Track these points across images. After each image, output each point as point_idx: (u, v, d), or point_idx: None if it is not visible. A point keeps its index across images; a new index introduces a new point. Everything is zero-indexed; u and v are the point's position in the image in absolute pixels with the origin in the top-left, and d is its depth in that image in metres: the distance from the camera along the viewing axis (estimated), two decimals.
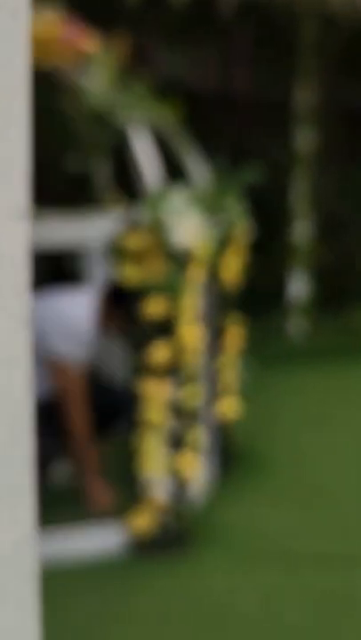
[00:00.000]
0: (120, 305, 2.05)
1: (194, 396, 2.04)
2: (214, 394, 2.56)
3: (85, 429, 2.16)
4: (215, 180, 2.49)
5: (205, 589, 1.86)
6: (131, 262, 1.86)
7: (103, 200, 2.84)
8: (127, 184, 2.19)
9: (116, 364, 2.47)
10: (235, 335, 2.59)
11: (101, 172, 2.87)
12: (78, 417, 2.13)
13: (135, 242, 1.83)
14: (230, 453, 2.70)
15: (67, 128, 2.70)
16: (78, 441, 2.15)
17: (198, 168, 2.47)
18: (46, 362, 2.08)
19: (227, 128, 7.00)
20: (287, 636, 1.67)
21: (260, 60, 5.05)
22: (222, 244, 2.43)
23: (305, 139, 4.90)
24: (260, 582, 1.88)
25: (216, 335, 2.53)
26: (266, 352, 4.48)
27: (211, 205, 2.42)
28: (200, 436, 2.13)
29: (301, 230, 4.96)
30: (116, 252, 1.86)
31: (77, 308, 2.14)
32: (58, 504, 2.29)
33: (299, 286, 4.96)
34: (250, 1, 4.28)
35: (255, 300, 5.43)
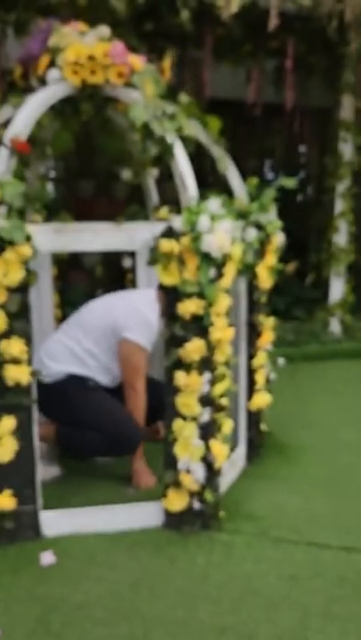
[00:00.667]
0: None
1: (225, 389, 2.16)
2: (249, 388, 2.68)
3: (142, 412, 2.45)
4: (253, 188, 2.60)
5: (234, 570, 1.95)
6: (170, 266, 1.99)
7: (152, 208, 3.00)
8: (172, 193, 2.32)
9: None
10: (269, 333, 2.69)
11: (149, 183, 3.03)
12: (140, 399, 2.43)
13: (173, 247, 1.97)
14: (262, 443, 2.81)
15: (120, 141, 2.86)
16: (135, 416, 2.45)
17: (237, 178, 2.58)
18: (121, 344, 2.42)
19: (275, 139, 7.06)
20: (309, 619, 1.73)
21: (308, 72, 5.10)
22: (258, 248, 2.54)
23: (350, 147, 4.93)
24: (285, 568, 1.96)
25: (252, 333, 2.65)
26: (304, 350, 4.56)
27: (247, 212, 2.54)
28: (230, 426, 2.24)
29: (343, 234, 5.00)
30: (158, 256, 2.00)
31: (146, 302, 2.43)
32: (108, 484, 2.48)
33: (339, 288, 5.00)
34: (297, 12, 4.34)
35: (297, 300, 5.50)
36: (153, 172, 2.97)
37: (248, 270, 2.53)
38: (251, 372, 2.66)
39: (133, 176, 2.93)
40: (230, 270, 2.10)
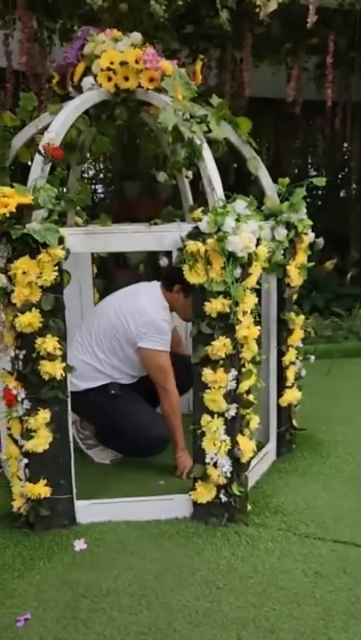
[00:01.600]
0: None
1: (251, 385, 2.14)
2: (280, 384, 2.65)
3: (177, 410, 2.50)
4: (283, 188, 2.56)
5: (259, 564, 1.94)
6: (196, 265, 1.99)
7: (187, 209, 2.99)
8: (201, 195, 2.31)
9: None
10: (299, 330, 2.65)
11: (185, 184, 3.02)
12: (172, 397, 2.48)
13: (199, 248, 1.96)
14: (294, 439, 2.78)
15: (154, 144, 2.87)
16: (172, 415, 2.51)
17: (268, 178, 2.55)
18: (140, 352, 2.49)
19: (317, 136, 6.91)
20: (332, 617, 1.71)
21: (349, 67, 4.97)
22: (289, 246, 2.51)
23: None
24: (311, 564, 1.93)
25: (282, 330, 2.61)
26: (342, 346, 4.47)
27: (278, 211, 2.50)
28: (257, 422, 2.22)
29: None
30: (185, 256, 2.00)
31: (152, 303, 2.51)
32: (140, 475, 2.52)
33: None
34: (337, 7, 4.23)
35: (336, 296, 5.39)
36: (188, 174, 2.96)
37: (278, 269, 2.50)
38: (281, 369, 2.63)
39: (169, 178, 2.93)
40: (256, 270, 2.07)
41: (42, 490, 2.07)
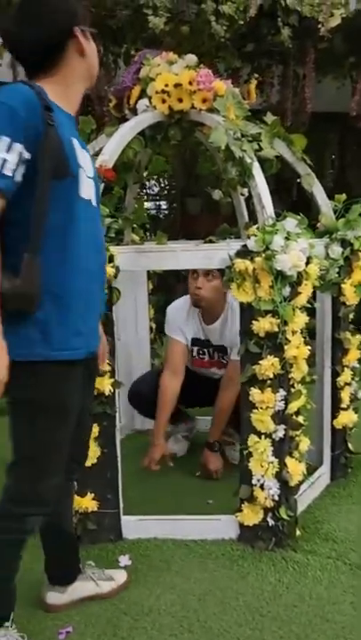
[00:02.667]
0: None
1: (300, 406, 2.09)
2: (334, 405, 2.57)
3: (163, 405, 2.66)
4: (340, 205, 2.50)
5: (305, 593, 1.87)
6: (244, 284, 1.97)
7: (242, 226, 2.98)
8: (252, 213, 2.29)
9: None
10: (355, 350, 2.57)
11: (240, 201, 3.01)
12: (161, 392, 2.66)
13: (247, 266, 1.94)
14: (350, 463, 2.68)
15: (210, 162, 2.89)
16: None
17: (323, 194, 2.50)
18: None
19: None
20: None
21: None
22: (344, 264, 2.44)
23: None
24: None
25: (337, 350, 2.54)
26: None
27: (333, 228, 2.44)
28: (307, 444, 2.16)
29: None
30: (233, 274, 1.99)
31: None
32: (188, 494, 2.50)
33: None
34: None
35: None
36: (243, 191, 2.96)
37: (333, 287, 2.43)
38: (336, 390, 2.54)
39: (224, 195, 2.93)
40: (307, 288, 2.03)
41: (89, 503, 2.09)
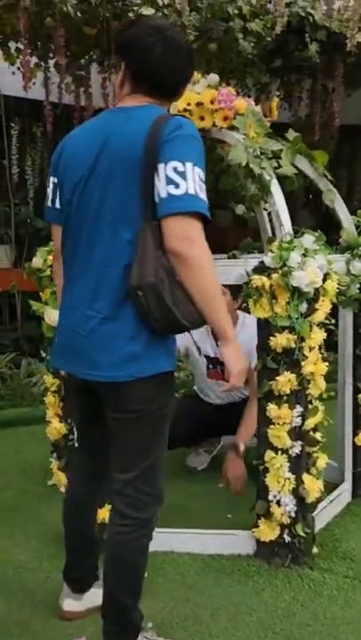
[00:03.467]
0: None
1: (318, 422, 2.08)
2: (355, 422, 2.55)
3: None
4: (359, 220, 2.49)
5: (320, 612, 1.85)
6: (261, 300, 1.99)
7: (265, 241, 3.00)
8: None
9: None
10: None
11: (263, 216, 3.03)
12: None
13: (264, 282, 1.96)
14: None
15: (233, 178, 2.92)
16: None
17: (345, 210, 2.50)
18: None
19: None
20: None
21: None
22: None
23: None
24: None
25: (358, 366, 2.52)
26: None
27: (353, 245, 2.44)
28: (325, 461, 2.14)
29: None
30: (250, 290, 2.00)
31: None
32: (206, 508, 2.51)
33: None
34: None
35: None
36: (267, 207, 2.97)
37: (354, 303, 2.42)
38: (357, 406, 2.52)
39: (247, 210, 2.96)
40: (324, 305, 2.03)
41: (107, 514, 2.12)
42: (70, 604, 1.85)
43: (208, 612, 1.87)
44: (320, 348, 2.06)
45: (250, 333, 2.46)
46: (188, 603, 1.92)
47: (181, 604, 1.91)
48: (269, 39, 3.88)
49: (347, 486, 2.55)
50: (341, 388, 2.55)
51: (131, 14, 3.75)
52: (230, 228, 6.00)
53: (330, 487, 2.55)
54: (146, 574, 1.81)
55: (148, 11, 3.65)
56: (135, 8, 3.71)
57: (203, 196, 1.39)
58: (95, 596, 1.80)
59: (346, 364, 2.51)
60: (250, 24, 3.86)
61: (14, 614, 1.87)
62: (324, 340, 2.07)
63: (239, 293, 2.44)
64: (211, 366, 2.80)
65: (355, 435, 2.53)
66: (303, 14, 3.87)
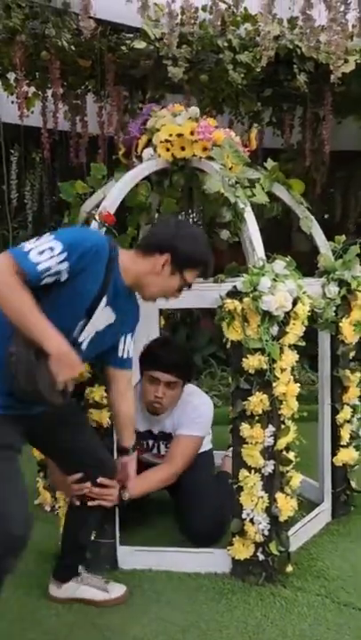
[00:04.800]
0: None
1: (289, 442, 2.14)
2: (334, 442, 2.60)
3: None
4: (338, 247, 2.58)
5: (289, 629, 1.90)
6: (234, 323, 2.07)
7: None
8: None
9: None
10: (355, 387, 2.60)
11: (242, 242, 3.13)
12: None
13: (236, 306, 2.04)
14: (352, 501, 2.68)
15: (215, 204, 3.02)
16: None
17: (321, 235, 2.59)
18: None
19: None
20: None
21: None
22: (342, 303, 2.50)
23: None
24: (344, 634, 1.86)
25: (336, 387, 2.58)
26: None
27: (331, 269, 2.52)
28: (299, 480, 2.20)
29: None
30: (223, 313, 2.09)
31: None
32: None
33: None
34: None
35: None
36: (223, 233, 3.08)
37: (331, 325, 2.50)
38: (336, 427, 2.58)
39: (232, 235, 3.05)
40: (295, 328, 2.10)
41: None
42: (52, 588, 2.09)
43: (179, 628, 1.92)
44: (293, 370, 2.13)
45: (183, 410, 2.46)
46: (162, 620, 1.96)
47: (155, 620, 1.96)
48: (259, 70, 4.02)
49: (326, 506, 2.59)
50: (321, 408, 2.61)
51: (124, 47, 3.92)
52: (227, 249, 6.13)
53: (311, 507, 2.60)
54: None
55: (140, 44, 3.81)
56: (128, 42, 3.88)
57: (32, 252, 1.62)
58: (73, 588, 2.07)
59: (325, 385, 2.58)
60: (239, 56, 4.00)
61: None
62: (311, 361, 2.14)
63: (188, 382, 2.50)
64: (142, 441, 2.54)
65: (333, 455, 2.59)
66: (291, 47, 4.00)
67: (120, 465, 2.11)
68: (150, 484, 2.30)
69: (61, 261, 1.63)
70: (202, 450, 2.51)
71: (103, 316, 1.80)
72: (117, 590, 2.07)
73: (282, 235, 5.68)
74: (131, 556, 2.25)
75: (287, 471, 2.15)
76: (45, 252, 1.62)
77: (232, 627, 1.92)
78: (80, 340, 1.76)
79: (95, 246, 1.70)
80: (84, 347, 1.78)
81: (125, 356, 2.00)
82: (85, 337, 1.78)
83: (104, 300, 1.76)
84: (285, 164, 5.09)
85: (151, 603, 2.05)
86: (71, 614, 2.00)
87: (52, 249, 1.63)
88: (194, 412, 2.44)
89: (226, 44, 3.97)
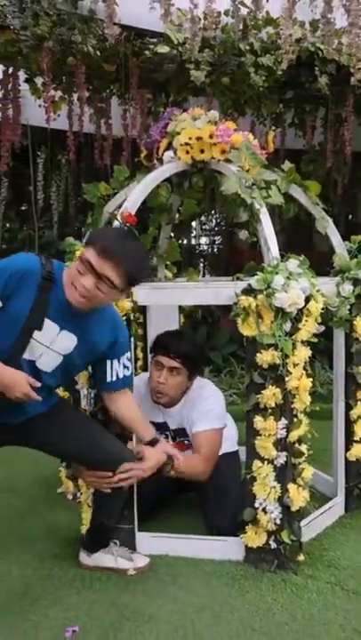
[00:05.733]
0: None
1: (301, 435, 2.22)
2: (348, 438, 2.67)
3: None
4: (353, 247, 2.66)
5: (298, 613, 1.99)
6: (248, 319, 2.16)
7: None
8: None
9: None
10: None
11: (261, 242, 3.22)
12: None
13: (250, 303, 2.14)
14: (359, 494, 2.75)
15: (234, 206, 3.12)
16: None
17: (337, 236, 2.67)
18: None
19: None
20: None
21: None
22: (355, 302, 2.58)
23: None
24: (351, 620, 1.94)
25: (350, 384, 2.66)
26: None
27: (345, 269, 2.60)
28: (311, 472, 2.28)
29: None
30: (238, 310, 2.18)
31: None
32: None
33: None
34: None
35: None
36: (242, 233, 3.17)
37: (345, 323, 2.57)
38: (349, 424, 2.65)
39: (250, 235, 3.14)
40: (308, 324, 2.19)
41: None
42: (82, 556, 2.29)
43: (193, 609, 2.02)
44: (305, 365, 2.22)
45: (193, 403, 2.54)
46: (177, 601, 2.07)
47: (170, 601, 2.07)
48: (280, 73, 4.10)
49: (339, 499, 2.67)
50: (335, 405, 2.69)
51: (147, 52, 4.04)
52: (248, 249, 6.21)
53: (325, 501, 2.68)
54: (133, 572, 2.02)
55: (163, 49, 3.93)
56: (151, 46, 4.00)
57: None
58: (102, 558, 2.27)
59: (339, 382, 2.65)
60: (261, 59, 4.09)
61: (15, 606, 2.05)
62: (331, 360, 2.21)
63: (195, 374, 2.58)
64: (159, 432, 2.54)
65: (347, 450, 2.66)
66: (312, 49, 4.08)
67: (160, 450, 2.22)
68: (186, 468, 2.31)
69: None
70: (228, 450, 2.59)
71: (63, 340, 1.92)
72: (141, 560, 2.26)
73: (303, 235, 5.75)
74: (148, 542, 2.36)
75: (299, 463, 2.24)
76: None
77: (244, 609, 2.01)
78: (31, 358, 1.91)
79: (21, 271, 1.84)
80: (44, 367, 1.94)
81: (114, 379, 2.08)
82: (37, 356, 1.91)
83: (47, 320, 1.88)
84: (307, 165, 5.18)
85: (167, 585, 2.16)
86: (91, 593, 2.12)
87: None
88: (205, 406, 2.51)
89: (248, 48, 4.07)
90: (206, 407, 2.50)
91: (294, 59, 3.97)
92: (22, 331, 1.87)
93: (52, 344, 1.91)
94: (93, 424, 2.20)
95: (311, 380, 2.24)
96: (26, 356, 1.90)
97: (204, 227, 7.73)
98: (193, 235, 7.55)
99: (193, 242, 7.56)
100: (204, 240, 7.86)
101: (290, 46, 3.72)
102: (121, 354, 2.08)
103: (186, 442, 2.59)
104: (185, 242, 7.00)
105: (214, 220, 7.64)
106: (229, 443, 2.62)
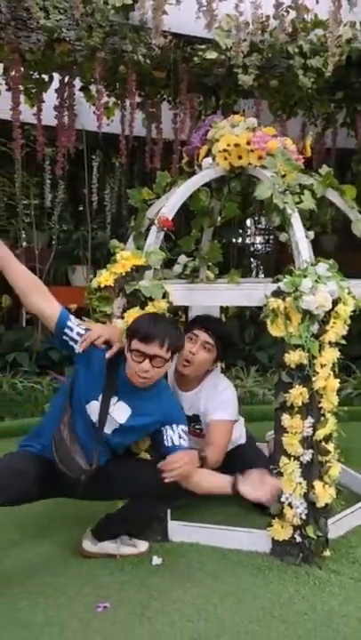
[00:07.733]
0: None
1: (328, 434, 2.30)
2: None
3: None
4: None
5: (319, 604, 2.08)
6: (277, 320, 2.26)
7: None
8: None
9: None
10: None
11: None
12: None
13: (279, 305, 2.23)
14: None
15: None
16: None
17: None
18: None
19: None
20: None
21: None
22: None
23: None
24: None
25: None
26: None
27: None
28: (338, 469, 2.35)
29: None
30: (267, 311, 2.29)
31: None
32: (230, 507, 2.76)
33: None
34: None
35: None
36: (309, 234, 3.23)
37: None
38: None
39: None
40: (336, 326, 2.26)
41: None
42: (86, 544, 2.42)
43: (218, 594, 2.15)
44: (333, 366, 2.30)
45: (208, 392, 2.67)
46: (203, 586, 2.20)
47: (196, 585, 2.20)
48: (329, 74, 4.13)
49: None
50: None
51: (196, 58, 4.17)
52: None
53: (356, 500, 2.74)
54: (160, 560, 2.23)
55: (212, 54, 4.06)
56: (200, 52, 4.13)
57: None
58: (107, 547, 2.42)
59: None
60: (310, 61, 4.14)
61: (54, 582, 2.24)
62: None
63: (220, 359, 2.75)
64: None
65: None
66: None
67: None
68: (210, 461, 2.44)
69: None
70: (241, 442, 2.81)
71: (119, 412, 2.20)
72: (143, 545, 2.43)
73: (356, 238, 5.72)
74: (180, 530, 2.51)
75: (326, 461, 2.32)
76: None
77: (265, 598, 2.12)
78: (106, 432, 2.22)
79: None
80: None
81: (171, 444, 2.23)
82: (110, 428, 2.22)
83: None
84: (358, 165, 5.18)
85: (195, 571, 2.30)
86: (123, 575, 2.28)
87: None
88: (223, 398, 2.66)
89: (296, 50, 4.13)
90: (224, 399, 2.64)
91: (344, 59, 4.01)
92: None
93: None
94: (130, 464, 2.38)
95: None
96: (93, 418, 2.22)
97: (258, 225, 7.78)
98: (248, 234, 7.61)
99: (248, 241, 7.62)
100: (258, 239, 7.91)
101: (337, 47, 3.77)
102: (174, 424, 2.25)
103: (197, 428, 2.72)
104: (239, 240, 7.06)
105: (263, 221, 7.68)
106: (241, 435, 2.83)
